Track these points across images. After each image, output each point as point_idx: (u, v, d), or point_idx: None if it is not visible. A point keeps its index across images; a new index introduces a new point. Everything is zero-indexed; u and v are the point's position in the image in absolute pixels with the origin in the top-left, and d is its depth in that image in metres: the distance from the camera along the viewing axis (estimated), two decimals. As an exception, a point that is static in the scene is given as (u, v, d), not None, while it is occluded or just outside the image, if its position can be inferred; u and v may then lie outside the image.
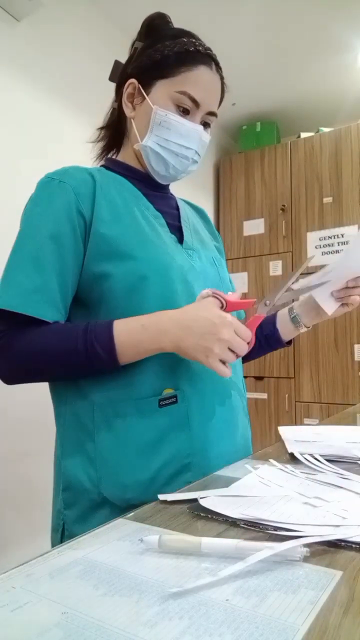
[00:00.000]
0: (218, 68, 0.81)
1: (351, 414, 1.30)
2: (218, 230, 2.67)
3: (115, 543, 0.47)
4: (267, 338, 0.96)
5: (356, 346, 2.64)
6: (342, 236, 2.72)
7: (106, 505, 0.71)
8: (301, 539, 0.43)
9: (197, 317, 0.66)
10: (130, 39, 0.85)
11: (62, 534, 0.74)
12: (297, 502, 0.54)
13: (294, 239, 2.88)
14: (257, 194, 3.04)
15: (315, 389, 2.75)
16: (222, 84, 0.83)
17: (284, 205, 2.92)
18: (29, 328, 0.68)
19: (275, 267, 2.93)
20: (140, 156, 0.83)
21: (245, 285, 3.02)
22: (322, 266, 0.80)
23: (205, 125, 0.82)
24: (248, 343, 0.67)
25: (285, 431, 0.92)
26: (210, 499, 0.55)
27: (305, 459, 0.72)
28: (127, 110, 0.83)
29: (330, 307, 0.86)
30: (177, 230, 0.85)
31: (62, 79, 1.97)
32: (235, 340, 0.64)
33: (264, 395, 2.90)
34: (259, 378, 2.93)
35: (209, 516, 0.51)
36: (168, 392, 0.73)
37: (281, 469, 0.67)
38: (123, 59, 0.86)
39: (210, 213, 2.93)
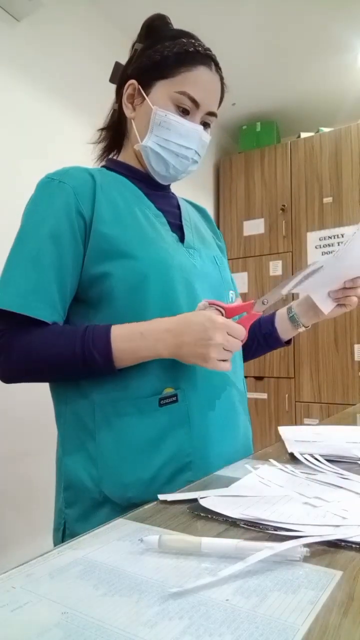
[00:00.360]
0: (218, 68, 0.81)
1: (351, 414, 1.30)
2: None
3: (115, 543, 0.47)
4: (265, 337, 0.96)
5: (356, 346, 2.64)
6: (342, 236, 2.72)
7: (107, 504, 0.71)
8: (301, 539, 0.43)
9: (191, 323, 0.67)
10: (130, 39, 0.85)
11: (64, 532, 0.75)
12: (297, 502, 0.54)
13: (294, 239, 2.88)
14: (257, 194, 3.04)
15: (315, 389, 2.75)
16: (222, 84, 0.83)
17: (284, 205, 2.92)
18: (28, 329, 0.69)
19: (275, 267, 2.93)
20: (141, 157, 0.83)
21: (245, 285, 3.02)
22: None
23: (205, 125, 0.83)
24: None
25: (285, 431, 0.92)
26: (210, 499, 0.55)
27: (305, 459, 0.72)
28: (127, 111, 0.83)
29: (327, 307, 0.86)
30: (178, 229, 0.85)
31: (62, 79, 1.97)
32: (229, 341, 0.66)
33: (264, 395, 2.90)
34: (259, 378, 2.93)
35: (209, 516, 0.51)
36: (168, 391, 0.73)
37: (281, 469, 0.67)
38: (123, 59, 0.86)
39: (210, 213, 2.93)
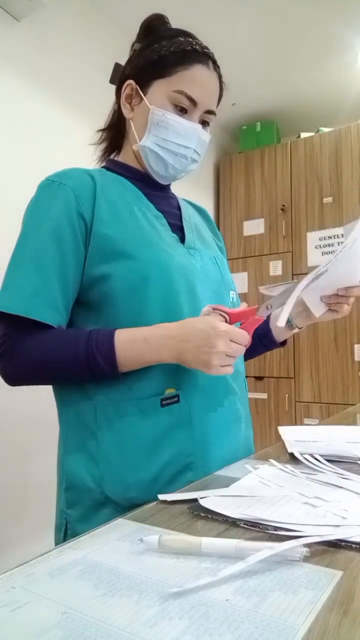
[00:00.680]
0: (216, 66, 0.80)
1: (351, 414, 1.30)
2: (218, 230, 2.67)
3: (115, 543, 0.47)
4: (260, 338, 0.97)
5: (356, 346, 2.64)
6: (342, 236, 2.72)
7: (109, 505, 0.71)
8: (301, 539, 0.43)
9: (194, 329, 0.67)
10: (130, 40, 0.85)
11: (65, 533, 0.75)
12: (297, 502, 0.54)
13: (294, 239, 2.88)
14: (257, 194, 3.04)
15: (315, 389, 2.75)
16: (220, 82, 0.82)
17: (284, 205, 2.92)
18: (32, 332, 0.69)
19: (275, 267, 2.93)
20: (140, 157, 0.83)
21: (245, 285, 3.02)
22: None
23: (204, 123, 0.82)
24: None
25: (285, 431, 0.92)
26: (211, 499, 0.55)
27: (305, 459, 0.72)
28: (126, 111, 0.83)
29: (318, 311, 0.86)
30: (178, 230, 0.85)
31: (62, 79, 1.97)
32: (231, 348, 0.66)
33: (264, 395, 2.90)
34: (259, 378, 2.93)
35: (209, 516, 0.51)
36: (170, 391, 0.73)
37: (281, 469, 0.67)
38: (123, 59, 0.86)
39: (210, 213, 2.93)
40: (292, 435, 0.88)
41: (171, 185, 0.92)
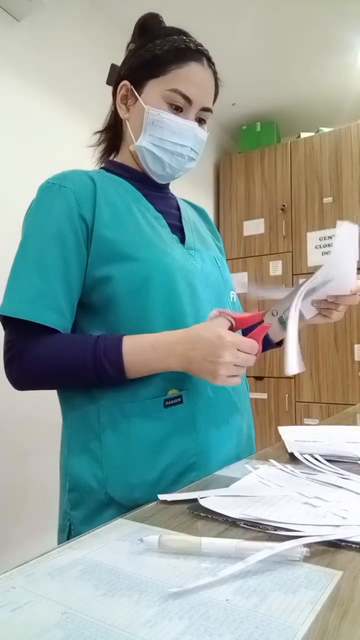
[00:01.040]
0: (210, 63, 0.80)
1: (351, 414, 1.30)
2: (218, 230, 2.68)
3: (115, 543, 0.47)
4: None
5: (356, 346, 2.64)
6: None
7: (113, 506, 0.71)
8: (301, 539, 0.43)
9: (200, 338, 0.65)
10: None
11: (69, 534, 0.74)
12: (297, 502, 0.54)
13: (294, 239, 2.88)
14: (257, 194, 3.04)
15: (315, 389, 2.75)
16: (216, 79, 0.82)
17: (284, 205, 2.92)
18: (38, 337, 0.69)
19: (275, 267, 2.93)
20: (137, 157, 0.83)
21: (245, 286, 3.02)
22: (321, 266, 0.79)
23: (201, 121, 0.82)
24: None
25: (285, 431, 0.92)
26: (210, 499, 0.55)
27: (305, 459, 0.72)
28: (121, 112, 0.83)
29: (309, 314, 0.85)
30: (178, 231, 0.85)
31: (62, 79, 1.97)
32: (238, 358, 0.63)
33: (264, 395, 2.90)
34: (259, 378, 2.93)
35: (209, 516, 0.51)
36: (173, 392, 0.73)
37: (281, 469, 0.67)
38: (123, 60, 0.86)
39: (210, 213, 2.92)
40: (292, 435, 0.88)
41: (171, 185, 0.91)
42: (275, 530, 0.47)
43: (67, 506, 0.75)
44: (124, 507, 0.70)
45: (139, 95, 0.79)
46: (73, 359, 0.68)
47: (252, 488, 0.59)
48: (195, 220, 0.93)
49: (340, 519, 0.48)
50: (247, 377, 0.90)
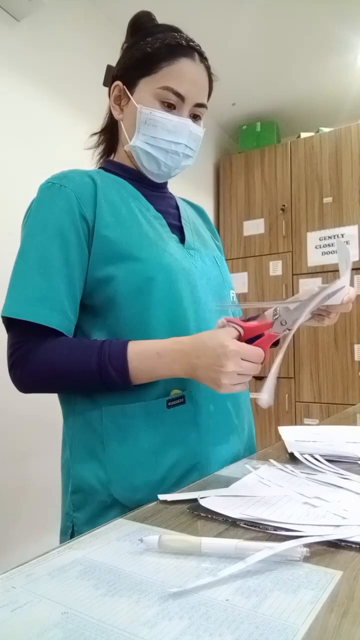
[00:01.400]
0: (203, 58, 0.79)
1: (351, 414, 1.30)
2: (218, 230, 2.67)
3: (115, 543, 0.47)
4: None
5: (356, 346, 2.64)
6: (342, 236, 2.72)
7: (116, 507, 0.71)
8: (301, 539, 0.43)
9: (205, 347, 0.64)
10: (130, 39, 0.84)
11: (72, 536, 0.74)
12: (297, 502, 0.54)
13: (294, 239, 2.88)
14: (257, 194, 3.04)
15: (315, 389, 2.75)
16: (209, 74, 0.81)
17: (284, 205, 2.92)
18: (43, 340, 0.69)
19: (275, 267, 2.93)
20: (133, 157, 0.82)
21: (245, 286, 3.02)
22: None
23: (196, 117, 0.81)
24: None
25: (285, 431, 0.92)
26: (210, 499, 0.55)
27: (305, 459, 0.72)
28: (115, 112, 0.83)
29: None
30: (178, 231, 0.84)
31: (62, 79, 1.97)
32: (242, 368, 0.62)
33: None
34: (259, 378, 2.92)
35: (209, 516, 0.51)
36: (175, 392, 0.73)
37: (281, 469, 0.67)
38: (123, 59, 0.86)
39: (210, 213, 2.92)
40: (292, 435, 0.88)
41: (170, 184, 0.91)
42: (275, 530, 0.47)
43: (69, 508, 0.75)
44: (127, 509, 0.69)
45: (132, 95, 0.79)
46: (78, 364, 0.68)
47: (252, 488, 0.59)
48: (195, 220, 0.93)
49: (340, 519, 0.48)
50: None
